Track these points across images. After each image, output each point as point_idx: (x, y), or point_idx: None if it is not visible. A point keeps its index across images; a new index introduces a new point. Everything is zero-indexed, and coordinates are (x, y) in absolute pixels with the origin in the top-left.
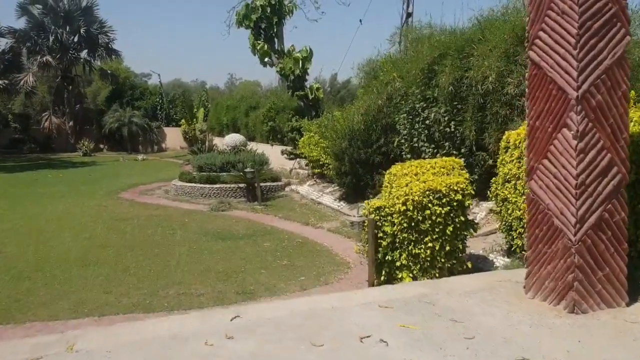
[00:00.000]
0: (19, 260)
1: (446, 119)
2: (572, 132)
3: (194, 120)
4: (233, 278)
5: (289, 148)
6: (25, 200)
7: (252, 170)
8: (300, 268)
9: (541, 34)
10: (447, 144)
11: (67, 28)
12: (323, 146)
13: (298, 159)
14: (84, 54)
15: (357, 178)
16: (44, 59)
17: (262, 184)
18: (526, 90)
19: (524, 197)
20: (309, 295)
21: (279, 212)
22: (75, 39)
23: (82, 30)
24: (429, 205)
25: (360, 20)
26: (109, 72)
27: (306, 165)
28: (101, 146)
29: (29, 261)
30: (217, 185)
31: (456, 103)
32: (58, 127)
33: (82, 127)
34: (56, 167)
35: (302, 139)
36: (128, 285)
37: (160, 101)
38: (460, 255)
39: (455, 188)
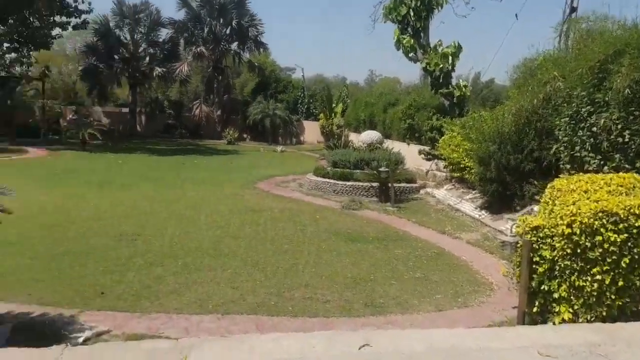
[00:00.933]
0: (155, 245)
1: (619, 127)
2: None
3: (332, 115)
4: (361, 286)
5: (426, 148)
6: (170, 185)
7: (387, 169)
8: (436, 284)
9: None
10: (617, 155)
11: (221, 20)
12: (466, 148)
13: (436, 160)
14: (234, 46)
15: (504, 186)
16: (198, 49)
17: (396, 185)
18: None
19: None
20: (445, 316)
21: (413, 216)
22: (227, 31)
23: (233, 23)
24: (601, 230)
25: (516, 15)
26: (256, 64)
27: (444, 168)
28: (244, 136)
29: (164, 247)
30: (350, 183)
31: (633, 109)
32: (207, 116)
33: (229, 116)
34: (202, 153)
35: (443, 138)
36: (255, 282)
37: (302, 95)
38: (635, 292)
39: (637, 212)
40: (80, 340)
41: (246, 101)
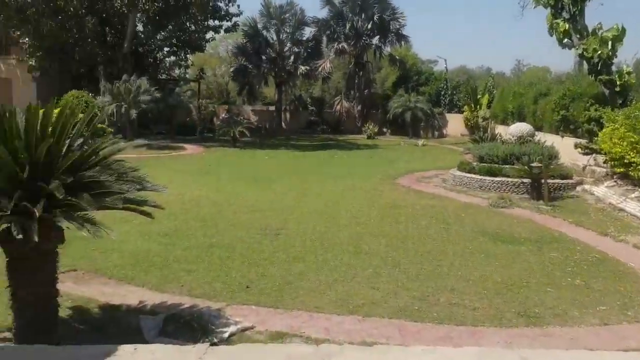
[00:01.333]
0: (297, 240)
1: None
2: None
3: (477, 106)
4: (513, 293)
5: (583, 141)
6: (311, 179)
7: (539, 164)
8: (599, 293)
9: None
10: None
11: (362, 16)
12: (631, 141)
13: (594, 155)
14: (375, 40)
15: None
16: (340, 46)
17: (549, 181)
18: None
19: None
20: (611, 331)
21: (569, 215)
22: (369, 26)
23: (375, 17)
24: None
25: None
26: (397, 58)
27: (604, 163)
28: (384, 130)
29: (305, 242)
30: (498, 179)
31: None
32: (347, 111)
33: (369, 111)
34: (342, 148)
35: (603, 131)
36: (396, 283)
37: (445, 87)
38: None
39: None
40: (226, 335)
41: (386, 95)
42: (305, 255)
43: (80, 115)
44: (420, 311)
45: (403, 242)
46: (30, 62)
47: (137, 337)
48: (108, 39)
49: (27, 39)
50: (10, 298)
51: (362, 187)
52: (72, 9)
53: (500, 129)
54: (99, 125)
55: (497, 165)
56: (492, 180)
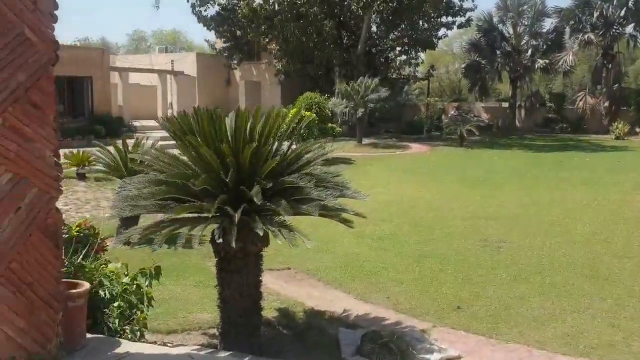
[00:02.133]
0: (522, 256)
1: None
2: None
3: None
4: None
5: None
6: (543, 184)
7: None
8: None
9: None
10: None
11: (614, 2)
12: None
13: None
14: (629, 29)
15: None
16: (586, 36)
17: None
18: None
19: None
20: None
21: None
22: (621, 13)
23: (630, 3)
24: None
25: None
26: None
27: None
28: (637, 130)
29: (531, 258)
30: None
31: None
32: (592, 108)
33: (618, 108)
34: (584, 150)
35: None
36: None
37: None
38: None
39: None
40: None
41: None
42: (530, 276)
43: (290, 115)
44: None
45: None
46: (277, 66)
47: (335, 350)
48: (344, 41)
49: (274, 45)
50: (218, 297)
51: (605, 196)
52: (312, 14)
53: None
54: (329, 125)
55: None
56: None
